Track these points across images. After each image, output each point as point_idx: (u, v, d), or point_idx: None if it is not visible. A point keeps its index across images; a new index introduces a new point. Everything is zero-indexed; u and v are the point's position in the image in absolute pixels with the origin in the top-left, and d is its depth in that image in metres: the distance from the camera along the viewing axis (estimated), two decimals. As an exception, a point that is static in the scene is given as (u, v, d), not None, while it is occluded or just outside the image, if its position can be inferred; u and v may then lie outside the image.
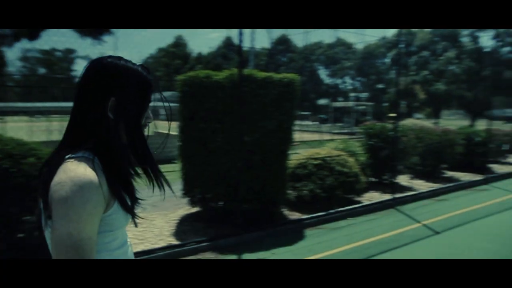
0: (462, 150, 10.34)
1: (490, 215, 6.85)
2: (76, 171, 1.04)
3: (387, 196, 7.59)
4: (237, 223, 5.49)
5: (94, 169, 1.07)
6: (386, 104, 34.39)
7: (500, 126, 15.02)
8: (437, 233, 5.85)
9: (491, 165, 11.19)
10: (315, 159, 6.87)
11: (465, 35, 35.72)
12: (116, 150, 1.14)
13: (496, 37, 34.37)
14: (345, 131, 27.88)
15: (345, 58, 42.43)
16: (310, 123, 37.01)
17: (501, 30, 33.48)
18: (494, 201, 7.94)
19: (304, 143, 15.13)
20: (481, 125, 16.42)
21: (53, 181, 1.04)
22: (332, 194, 6.67)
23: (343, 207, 6.69)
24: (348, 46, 42.93)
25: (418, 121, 11.30)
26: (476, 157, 10.64)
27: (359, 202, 7.16)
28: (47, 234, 1.09)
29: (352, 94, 42.09)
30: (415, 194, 7.98)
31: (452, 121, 32.35)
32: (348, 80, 45.20)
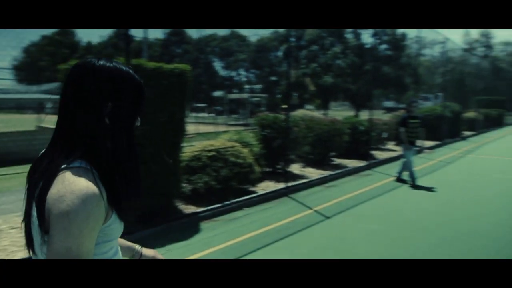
0: (348, 139, 11.04)
1: (373, 198, 7.39)
2: (77, 183, 1.00)
3: (281, 185, 7.80)
4: (129, 221, 5.20)
5: (94, 180, 1.03)
6: (279, 95, 35.59)
7: (380, 116, 16.34)
8: (328, 217, 6.15)
9: (373, 152, 12.10)
10: (209, 151, 6.78)
11: (349, 32, 38.22)
12: (112, 157, 1.11)
13: (374, 35, 37.32)
14: (241, 122, 28.30)
15: (239, 51, 42.97)
16: (206, 115, 36.95)
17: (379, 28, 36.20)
18: (376, 184, 8.60)
19: (200, 135, 15.01)
20: (364, 115, 17.70)
21: (50, 194, 0.99)
22: (227, 186, 6.66)
23: (238, 198, 6.71)
24: (242, 39, 43.50)
25: (308, 112, 11.80)
26: (360, 145, 11.42)
27: (254, 192, 7.25)
28: (39, 248, 1.05)
29: (247, 86, 42.89)
30: (307, 182, 8.32)
31: (339, 112, 34.50)
32: (242, 72, 45.89)
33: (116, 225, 1.13)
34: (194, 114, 35.44)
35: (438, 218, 6.20)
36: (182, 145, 5.92)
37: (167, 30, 44.23)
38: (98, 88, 1.09)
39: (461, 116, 20.30)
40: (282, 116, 8.64)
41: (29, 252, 1.12)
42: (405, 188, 8.33)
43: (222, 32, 44.97)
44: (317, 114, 12.89)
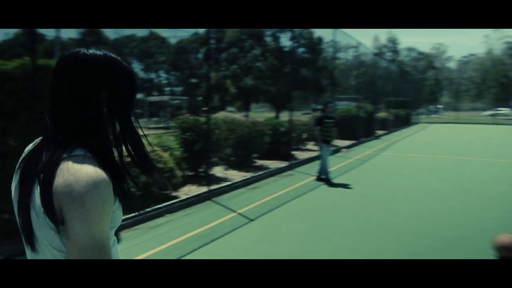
0: (270, 140, 11.19)
1: (296, 198, 7.52)
2: (85, 170, 0.99)
3: (203, 189, 7.67)
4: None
5: (99, 166, 1.03)
6: (200, 98, 35.32)
7: (300, 117, 16.79)
8: (252, 220, 6.14)
9: (294, 152, 12.35)
10: (127, 156, 6.47)
11: (268, 35, 38.96)
12: (111, 144, 1.12)
13: (292, 38, 38.39)
14: (161, 125, 27.64)
15: (159, 52, 42.02)
16: (124, 118, 35.57)
17: (297, 32, 37.45)
18: (298, 184, 8.78)
19: (118, 139, 14.38)
20: (284, 116, 18.10)
21: (57, 184, 0.98)
22: (148, 192, 6.40)
23: (160, 204, 6.48)
24: (161, 40, 42.58)
25: (229, 114, 11.79)
26: (282, 145, 11.62)
27: (176, 197, 7.05)
28: (44, 241, 1.03)
29: (167, 89, 42.04)
30: (230, 184, 8.27)
31: (260, 113, 35.00)
32: (162, 74, 44.91)
33: (120, 211, 1.14)
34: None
35: (357, 214, 6.45)
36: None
37: (83, 30, 42.09)
38: (93, 76, 1.08)
39: (374, 116, 21.50)
40: (203, 119, 8.52)
41: (29, 248, 1.07)
42: (326, 186, 8.59)
43: (141, 33, 43.69)
44: (238, 116, 12.93)
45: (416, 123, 36.40)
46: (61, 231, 0.99)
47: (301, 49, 39.21)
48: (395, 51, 75.31)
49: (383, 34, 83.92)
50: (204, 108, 9.78)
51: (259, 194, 7.83)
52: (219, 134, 9.10)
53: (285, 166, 10.61)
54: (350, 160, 12.44)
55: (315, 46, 38.62)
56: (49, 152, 1.05)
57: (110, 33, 39.58)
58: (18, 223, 1.08)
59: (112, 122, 1.13)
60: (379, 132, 22.41)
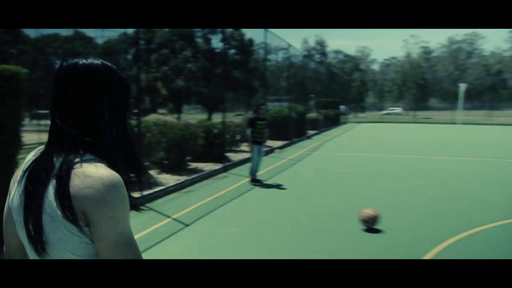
0: (203, 142, 11.06)
1: (231, 200, 7.48)
2: (100, 172, 1.06)
3: (136, 194, 7.40)
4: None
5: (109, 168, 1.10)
6: (130, 100, 34.21)
7: (232, 119, 16.79)
8: (187, 225, 6.00)
9: (228, 154, 12.32)
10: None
11: (199, 36, 38.66)
12: (114, 148, 1.17)
13: (224, 39, 38.44)
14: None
15: (85, 53, 40.15)
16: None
17: (228, 33, 37.54)
18: (233, 186, 8.75)
19: (43, 144, 13.53)
20: (217, 118, 18.02)
21: (75, 187, 1.04)
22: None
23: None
24: (88, 40, 40.75)
25: (161, 116, 11.50)
26: (215, 147, 11.53)
27: (106, 204, 6.72)
28: (59, 243, 1.07)
29: (94, 91, 40.32)
30: (163, 189, 8.05)
31: (192, 115, 34.62)
32: (89, 76, 42.94)
33: None
34: (36, 122, 31.99)
35: (291, 214, 6.53)
36: (18, 158, 5.17)
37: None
38: (95, 84, 1.14)
39: (305, 116, 22.03)
40: (133, 122, 8.22)
41: (37, 252, 1.09)
42: (259, 188, 8.63)
43: (65, 32, 41.50)
44: (171, 118, 12.67)
45: (344, 123, 37.84)
46: (85, 232, 1.06)
47: (232, 51, 39.37)
48: (323, 53, 77.98)
49: (311, 37, 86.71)
50: (135, 111, 9.46)
51: (194, 198, 7.69)
52: (151, 137, 8.83)
53: (219, 168, 10.54)
54: (284, 161, 12.64)
55: (246, 47, 38.95)
56: (60, 157, 1.10)
57: (31, 32, 37.28)
58: (25, 230, 1.10)
59: (112, 126, 1.17)
60: (310, 132, 23.00)
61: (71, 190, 1.03)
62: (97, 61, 1.17)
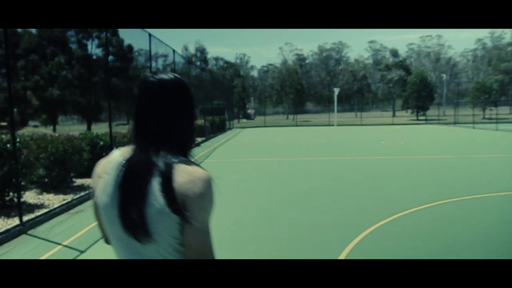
0: (89, 156, 10.13)
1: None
2: (198, 171, 1.26)
3: (15, 221, 6.41)
4: None
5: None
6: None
7: (118, 129, 15.82)
8: (83, 251, 5.32)
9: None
10: None
11: (73, 42, 36.06)
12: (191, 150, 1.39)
13: (101, 45, 36.31)
14: None
15: None
16: None
17: (104, 39, 35.69)
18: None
19: None
20: (97, 129, 16.85)
21: (180, 183, 1.21)
22: None
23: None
24: None
25: (38, 130, 10.29)
26: (103, 161, 10.65)
27: (-22, 236, 5.71)
28: (163, 231, 1.23)
29: None
30: (48, 212, 7.12)
31: (70, 126, 32.10)
32: None
33: None
34: None
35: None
36: None
37: None
38: (185, 95, 1.37)
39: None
40: (4, 137, 7.16)
41: (137, 239, 1.24)
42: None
43: None
44: (48, 131, 11.43)
45: (230, 129, 38.27)
46: (184, 220, 1.21)
47: (111, 57, 37.54)
48: (204, 60, 78.33)
49: (191, 44, 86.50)
50: (3, 124, 8.27)
51: (85, 220, 6.89)
52: (27, 153, 7.79)
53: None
54: (177, 171, 12.18)
55: (125, 54, 37.33)
56: (159, 157, 1.25)
57: None
58: (119, 221, 1.26)
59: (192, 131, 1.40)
60: (198, 139, 22.74)
61: (175, 185, 1.21)
62: (177, 76, 1.37)
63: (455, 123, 38.22)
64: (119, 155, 1.35)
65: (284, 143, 21.77)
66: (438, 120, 43.97)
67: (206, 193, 1.23)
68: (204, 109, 29.47)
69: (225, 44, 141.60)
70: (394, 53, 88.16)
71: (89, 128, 30.08)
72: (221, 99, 37.68)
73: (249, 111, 66.51)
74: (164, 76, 1.33)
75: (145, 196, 1.22)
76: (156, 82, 1.32)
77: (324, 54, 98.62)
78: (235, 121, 52.16)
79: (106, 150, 10.64)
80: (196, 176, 1.23)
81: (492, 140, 20.48)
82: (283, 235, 5.75)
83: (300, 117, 50.04)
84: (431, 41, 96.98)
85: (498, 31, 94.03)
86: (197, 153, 17.05)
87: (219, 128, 31.58)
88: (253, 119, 64.54)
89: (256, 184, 9.65)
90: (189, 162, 1.28)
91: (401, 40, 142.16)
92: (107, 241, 1.46)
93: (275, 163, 13.54)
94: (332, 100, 45.56)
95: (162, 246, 1.25)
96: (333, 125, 39.84)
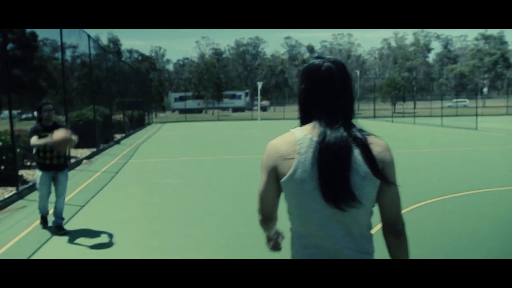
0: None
1: (36, 251, 5.20)
2: (384, 141, 1.53)
3: None
4: None
5: None
6: None
7: (21, 125, 13.45)
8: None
9: (23, 172, 9.42)
10: None
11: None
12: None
13: (-2, 31, 32.25)
14: None
15: None
16: None
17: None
18: (36, 223, 6.26)
19: None
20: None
21: (377, 151, 1.47)
22: None
23: None
24: None
25: None
26: (3, 165, 8.62)
27: None
28: (366, 197, 1.47)
29: None
30: None
31: (-39, 123, 28.04)
32: None
33: None
34: None
35: (123, 249, 4.75)
36: None
37: None
38: (351, 76, 1.59)
39: (111, 119, 19.53)
40: None
41: (344, 206, 1.44)
42: (79, 220, 6.45)
43: None
44: None
45: (149, 124, 36.02)
46: (385, 183, 1.47)
47: (10, 45, 33.64)
48: (118, 52, 74.03)
49: (103, 34, 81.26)
50: None
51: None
52: None
53: (13, 195, 7.74)
54: (97, 174, 10.36)
55: (28, 42, 33.55)
56: (350, 132, 1.48)
57: None
58: (320, 192, 1.44)
59: None
60: (117, 136, 20.57)
61: (375, 154, 1.47)
62: (341, 60, 1.61)
63: (374, 117, 39.33)
64: (304, 135, 1.51)
65: (211, 139, 20.43)
66: (357, 114, 45.09)
67: (393, 158, 1.52)
68: (122, 103, 26.99)
69: (139, 37, 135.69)
70: (311, 49, 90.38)
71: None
72: (139, 92, 35.22)
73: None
74: (338, 60, 1.56)
75: (350, 166, 1.43)
76: (338, 68, 1.54)
77: (241, 49, 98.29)
78: (153, 115, 49.61)
79: (6, 152, 8.57)
80: (386, 146, 1.52)
81: (430, 134, 20.75)
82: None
83: (219, 112, 48.72)
84: (343, 39, 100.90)
85: (401, 32, 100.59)
86: (118, 152, 15.13)
87: (138, 124, 29.33)
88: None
89: (195, 190, 8.29)
90: (371, 134, 1.52)
91: (315, 38, 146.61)
92: (268, 218, 1.69)
93: (209, 162, 12.22)
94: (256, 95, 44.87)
95: (364, 210, 1.47)
96: (256, 119, 39.13)
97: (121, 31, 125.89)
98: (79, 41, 17.35)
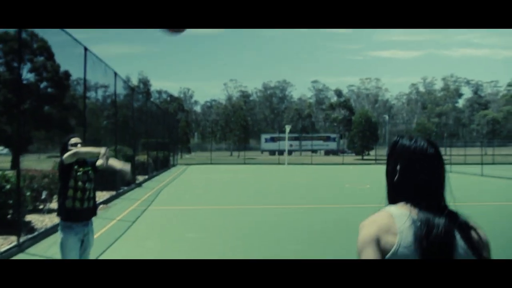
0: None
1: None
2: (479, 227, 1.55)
3: None
4: None
5: None
6: None
7: (46, 163, 12.80)
8: None
9: (29, 218, 8.58)
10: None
11: (0, 64, 32.45)
12: None
13: (34, 70, 32.84)
14: None
15: None
16: None
17: (39, 63, 32.73)
18: None
19: None
20: (27, 160, 13.82)
21: (482, 235, 1.52)
22: None
23: None
24: None
25: None
26: (6, 210, 7.81)
27: None
28: None
29: None
30: None
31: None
32: None
33: None
34: None
35: None
36: None
37: None
38: None
39: (134, 160, 18.87)
40: None
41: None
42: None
43: None
44: None
45: (174, 165, 35.44)
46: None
47: (44, 83, 34.27)
48: (147, 93, 75.24)
49: (134, 75, 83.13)
50: None
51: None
52: None
53: (13, 247, 6.80)
54: (113, 222, 9.43)
55: (61, 81, 34.03)
56: (451, 217, 1.51)
57: None
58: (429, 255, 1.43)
59: None
60: (140, 178, 19.85)
61: (482, 237, 1.50)
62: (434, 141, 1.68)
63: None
64: (403, 214, 1.50)
65: (238, 184, 19.45)
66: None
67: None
68: (148, 144, 26.49)
69: (169, 78, 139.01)
70: (338, 93, 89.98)
71: (15, 160, 26.17)
72: (165, 133, 34.89)
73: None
74: (430, 140, 1.62)
75: (455, 246, 1.45)
76: (435, 151, 1.58)
77: (268, 92, 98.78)
78: (178, 156, 49.23)
79: (13, 195, 7.74)
80: (481, 229, 1.53)
81: (474, 184, 19.29)
82: None
83: (245, 154, 47.86)
84: (370, 84, 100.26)
85: (429, 77, 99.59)
86: (139, 196, 14.26)
87: (163, 165, 28.70)
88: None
89: (217, 247, 7.23)
90: (468, 218, 1.54)
91: (342, 82, 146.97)
92: None
93: (236, 212, 11.17)
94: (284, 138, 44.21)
95: None
96: (283, 164, 38.09)
97: (152, 72, 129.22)
98: (111, 80, 16.99)
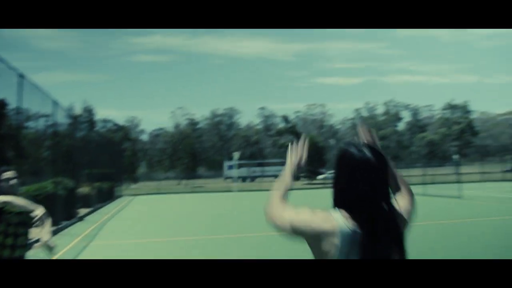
0: None
1: None
2: None
3: None
4: None
5: None
6: None
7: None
8: None
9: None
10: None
11: None
12: None
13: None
14: None
15: None
16: None
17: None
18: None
19: None
20: None
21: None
22: None
23: None
24: None
25: None
26: None
27: None
28: None
29: None
30: None
31: None
32: None
33: None
34: None
35: None
36: None
37: None
38: None
39: (75, 193, 18.01)
40: None
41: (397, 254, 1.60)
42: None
43: None
44: None
45: (120, 196, 34.24)
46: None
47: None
48: (91, 122, 73.00)
49: (78, 103, 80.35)
50: None
51: None
52: None
53: None
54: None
55: (-5, 110, 32.32)
56: (389, 230, 1.59)
57: None
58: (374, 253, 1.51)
59: None
60: (82, 211, 18.92)
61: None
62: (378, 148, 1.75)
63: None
64: (343, 221, 1.54)
65: (189, 214, 19.00)
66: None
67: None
68: (91, 174, 25.45)
69: (115, 107, 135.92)
70: (285, 119, 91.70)
71: None
72: (109, 163, 33.77)
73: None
74: (380, 153, 1.61)
75: (399, 231, 1.60)
76: (380, 162, 1.59)
77: (216, 119, 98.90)
78: (123, 187, 47.73)
79: None
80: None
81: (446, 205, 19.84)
82: None
83: (193, 182, 47.17)
84: (316, 109, 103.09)
85: (372, 102, 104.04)
86: (80, 231, 13.51)
87: (107, 196, 27.63)
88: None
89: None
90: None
91: (289, 109, 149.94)
92: None
93: (184, 243, 10.83)
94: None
95: None
96: (232, 191, 37.82)
97: (97, 101, 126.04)
98: (51, 109, 16.30)
